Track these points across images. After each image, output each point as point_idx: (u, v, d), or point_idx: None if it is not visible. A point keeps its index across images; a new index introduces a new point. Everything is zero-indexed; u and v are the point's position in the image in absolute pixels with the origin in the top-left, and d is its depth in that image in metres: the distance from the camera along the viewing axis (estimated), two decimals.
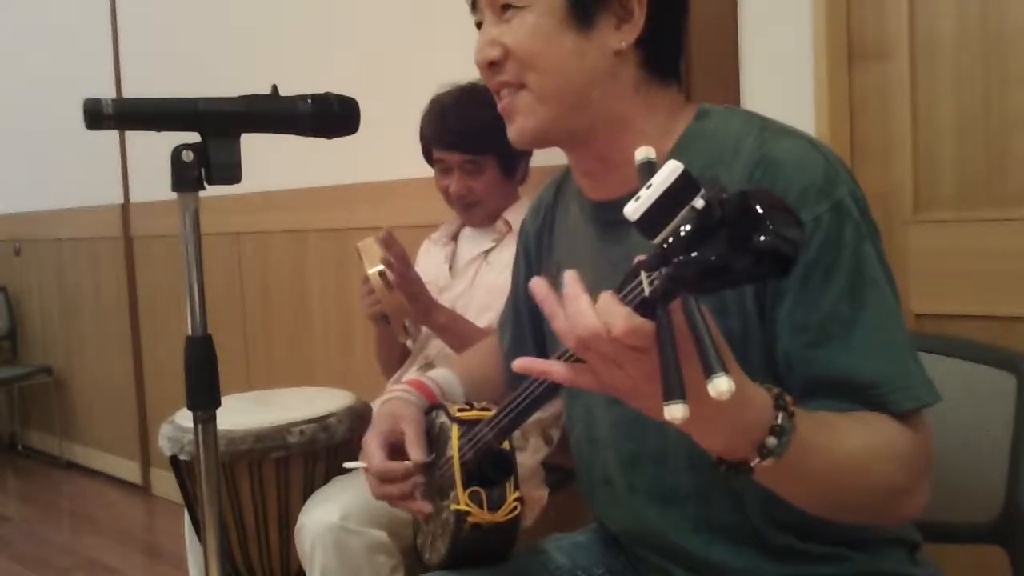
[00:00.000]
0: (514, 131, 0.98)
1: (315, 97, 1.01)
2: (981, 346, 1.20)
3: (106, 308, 3.95)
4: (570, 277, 0.69)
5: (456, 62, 1.94)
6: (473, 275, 1.86)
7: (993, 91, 1.54)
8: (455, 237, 1.97)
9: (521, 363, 0.75)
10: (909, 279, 1.61)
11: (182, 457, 1.70)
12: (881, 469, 0.82)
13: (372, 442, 1.11)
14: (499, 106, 0.99)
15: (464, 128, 1.77)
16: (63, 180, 4.11)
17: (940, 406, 0.87)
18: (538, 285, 0.71)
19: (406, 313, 1.70)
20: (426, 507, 1.08)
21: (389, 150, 1.97)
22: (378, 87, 1.93)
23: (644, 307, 0.64)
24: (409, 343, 1.95)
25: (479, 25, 0.99)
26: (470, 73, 1.83)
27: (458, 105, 1.80)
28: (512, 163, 1.84)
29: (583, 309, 0.67)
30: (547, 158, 1.89)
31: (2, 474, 4.41)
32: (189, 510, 1.80)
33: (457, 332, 1.70)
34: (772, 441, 0.73)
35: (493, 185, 1.82)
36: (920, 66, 1.61)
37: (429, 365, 1.87)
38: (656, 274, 0.62)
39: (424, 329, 1.89)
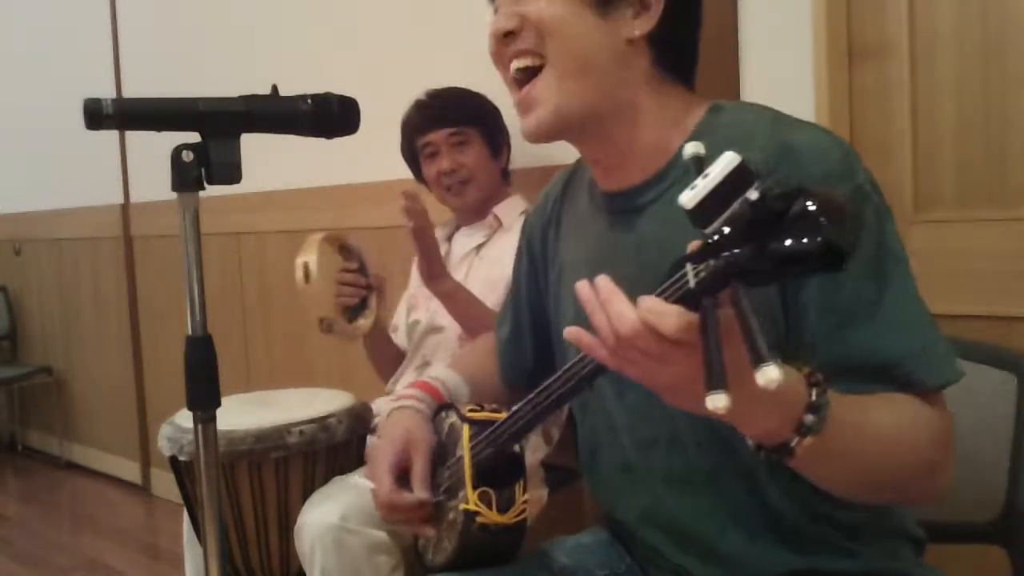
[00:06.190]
0: (532, 120, 0.96)
1: (315, 97, 1.00)
2: (981, 346, 1.20)
3: (106, 308, 3.95)
4: (604, 280, 0.70)
5: (456, 63, 1.93)
6: (467, 270, 1.90)
7: (993, 91, 1.54)
8: (449, 239, 2.00)
9: (573, 332, 0.74)
10: None
11: (182, 458, 1.69)
12: (911, 445, 0.84)
13: (381, 466, 1.10)
14: (516, 98, 0.97)
15: (443, 104, 1.89)
16: (63, 180, 4.10)
17: None
18: (583, 288, 0.72)
19: (323, 308, 1.74)
20: (429, 531, 1.09)
21: (389, 150, 1.98)
22: (378, 87, 1.93)
23: (687, 299, 0.65)
24: (404, 344, 1.96)
25: (497, 11, 0.98)
26: (470, 74, 1.83)
27: (434, 92, 1.92)
28: (496, 139, 1.91)
29: (623, 310, 0.68)
30: (544, 158, 1.90)
31: (2, 474, 4.41)
32: (189, 510, 1.79)
33: (461, 300, 1.72)
34: (810, 418, 0.73)
35: (482, 160, 1.89)
36: (920, 66, 1.61)
37: (426, 364, 1.88)
38: (703, 266, 0.63)
39: (419, 328, 1.90)
